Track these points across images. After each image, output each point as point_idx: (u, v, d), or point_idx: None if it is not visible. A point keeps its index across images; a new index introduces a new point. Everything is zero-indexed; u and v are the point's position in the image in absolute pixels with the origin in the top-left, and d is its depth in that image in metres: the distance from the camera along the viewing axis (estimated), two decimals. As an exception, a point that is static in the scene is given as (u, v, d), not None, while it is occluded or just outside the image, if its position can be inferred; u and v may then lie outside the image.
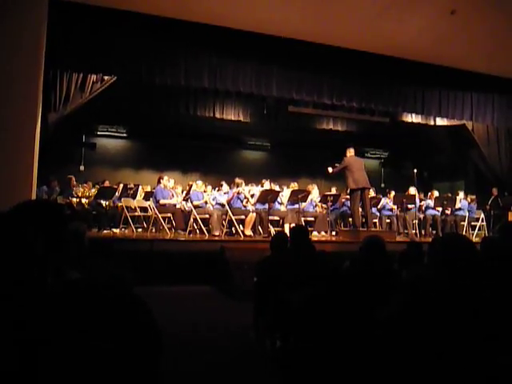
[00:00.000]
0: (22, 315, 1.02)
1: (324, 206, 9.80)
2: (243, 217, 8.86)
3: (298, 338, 3.04)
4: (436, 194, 10.67)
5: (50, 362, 1.01)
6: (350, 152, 8.86)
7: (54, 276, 1.14)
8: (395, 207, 10.29)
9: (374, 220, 9.97)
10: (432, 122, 11.56)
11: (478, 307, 1.66)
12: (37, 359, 1.00)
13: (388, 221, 10.36)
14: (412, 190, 10.09)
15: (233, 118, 11.48)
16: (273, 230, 8.67)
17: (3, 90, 5.66)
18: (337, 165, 8.89)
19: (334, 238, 9.15)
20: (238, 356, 3.71)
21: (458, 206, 10.25)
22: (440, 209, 10.25)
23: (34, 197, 6.02)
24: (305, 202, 9.29)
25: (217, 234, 8.49)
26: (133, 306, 1.44)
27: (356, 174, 8.55)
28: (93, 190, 9.12)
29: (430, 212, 10.28)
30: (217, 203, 8.97)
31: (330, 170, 9.01)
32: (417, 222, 10.00)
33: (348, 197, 10.14)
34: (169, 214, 8.97)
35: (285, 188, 10.29)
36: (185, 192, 10.00)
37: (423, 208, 10.44)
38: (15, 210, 1.18)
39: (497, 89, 9.89)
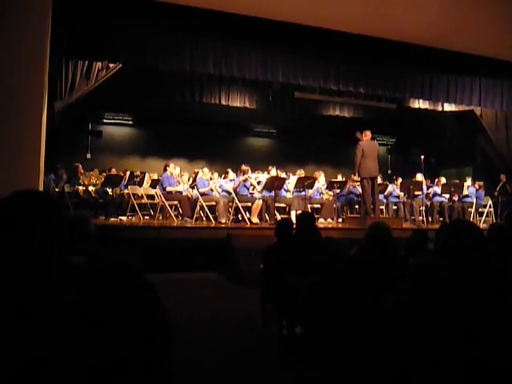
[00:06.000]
0: (27, 306, 1.02)
1: (330, 192, 9.78)
2: (250, 204, 8.85)
3: (305, 325, 3.06)
4: (443, 180, 10.60)
5: (57, 353, 1.02)
6: (366, 135, 8.52)
7: (56, 265, 1.14)
8: (402, 194, 10.25)
9: (381, 207, 9.93)
10: (440, 108, 11.46)
11: (485, 295, 1.65)
12: (44, 352, 1.01)
13: (395, 207, 10.33)
14: (419, 177, 10.00)
15: (238, 105, 11.46)
16: (279, 217, 8.67)
17: (9, 79, 5.66)
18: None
19: (340, 225, 9.15)
20: (245, 341, 3.74)
21: (465, 192, 10.17)
22: (447, 195, 10.14)
23: (41, 185, 6.06)
24: (311, 188, 9.27)
25: (223, 221, 8.50)
26: (141, 290, 1.45)
27: (368, 162, 8.34)
28: (99, 178, 9.14)
29: (438, 199, 10.20)
30: (223, 190, 8.97)
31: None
32: (424, 208, 9.91)
33: (354, 184, 10.09)
34: (175, 202, 8.98)
35: (291, 175, 10.26)
36: (191, 179, 10.01)
37: (430, 195, 10.37)
38: (9, 204, 1.15)
39: (506, 74, 9.74)
